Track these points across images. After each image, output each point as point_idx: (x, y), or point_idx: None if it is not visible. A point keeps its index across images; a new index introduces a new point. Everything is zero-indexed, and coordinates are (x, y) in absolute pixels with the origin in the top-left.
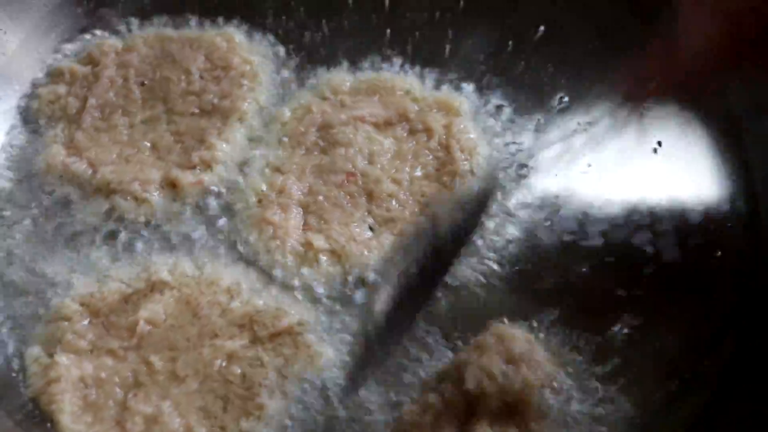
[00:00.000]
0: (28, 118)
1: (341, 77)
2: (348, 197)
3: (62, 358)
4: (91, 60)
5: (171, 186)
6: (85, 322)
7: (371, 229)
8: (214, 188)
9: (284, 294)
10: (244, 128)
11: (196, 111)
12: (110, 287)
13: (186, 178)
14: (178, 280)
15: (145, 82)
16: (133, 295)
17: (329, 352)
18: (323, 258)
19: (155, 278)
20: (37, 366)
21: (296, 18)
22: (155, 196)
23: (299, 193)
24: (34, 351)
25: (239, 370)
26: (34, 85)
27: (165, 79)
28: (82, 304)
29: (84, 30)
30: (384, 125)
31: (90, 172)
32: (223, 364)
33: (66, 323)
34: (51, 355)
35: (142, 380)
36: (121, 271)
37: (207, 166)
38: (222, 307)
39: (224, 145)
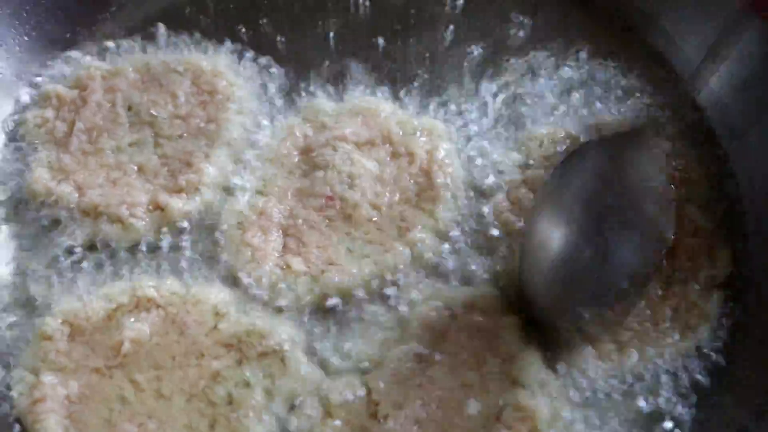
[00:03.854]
0: (16, 141)
1: (325, 101)
2: (327, 221)
3: (48, 377)
4: (78, 84)
5: (158, 209)
6: (68, 340)
7: (350, 251)
8: (199, 211)
9: (266, 314)
10: (229, 151)
11: (183, 134)
12: (94, 306)
13: (174, 203)
14: (164, 297)
15: (132, 106)
16: (117, 311)
17: (314, 371)
18: (301, 280)
19: (140, 294)
20: (22, 385)
21: (282, 43)
22: (142, 219)
23: (279, 215)
24: (20, 370)
25: (226, 391)
26: (22, 108)
27: (152, 103)
28: (63, 322)
29: (71, 55)
30: (366, 145)
31: (77, 195)
32: (209, 383)
33: (48, 342)
34: (36, 374)
35: (127, 398)
36: (106, 289)
37: (194, 188)
38: (208, 327)
39: (210, 168)
